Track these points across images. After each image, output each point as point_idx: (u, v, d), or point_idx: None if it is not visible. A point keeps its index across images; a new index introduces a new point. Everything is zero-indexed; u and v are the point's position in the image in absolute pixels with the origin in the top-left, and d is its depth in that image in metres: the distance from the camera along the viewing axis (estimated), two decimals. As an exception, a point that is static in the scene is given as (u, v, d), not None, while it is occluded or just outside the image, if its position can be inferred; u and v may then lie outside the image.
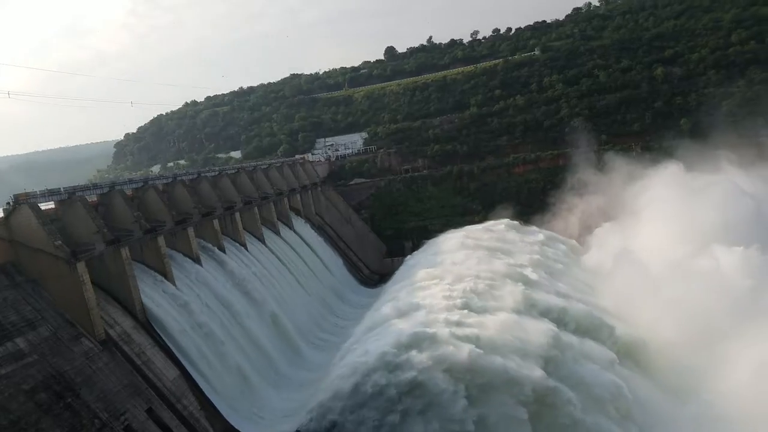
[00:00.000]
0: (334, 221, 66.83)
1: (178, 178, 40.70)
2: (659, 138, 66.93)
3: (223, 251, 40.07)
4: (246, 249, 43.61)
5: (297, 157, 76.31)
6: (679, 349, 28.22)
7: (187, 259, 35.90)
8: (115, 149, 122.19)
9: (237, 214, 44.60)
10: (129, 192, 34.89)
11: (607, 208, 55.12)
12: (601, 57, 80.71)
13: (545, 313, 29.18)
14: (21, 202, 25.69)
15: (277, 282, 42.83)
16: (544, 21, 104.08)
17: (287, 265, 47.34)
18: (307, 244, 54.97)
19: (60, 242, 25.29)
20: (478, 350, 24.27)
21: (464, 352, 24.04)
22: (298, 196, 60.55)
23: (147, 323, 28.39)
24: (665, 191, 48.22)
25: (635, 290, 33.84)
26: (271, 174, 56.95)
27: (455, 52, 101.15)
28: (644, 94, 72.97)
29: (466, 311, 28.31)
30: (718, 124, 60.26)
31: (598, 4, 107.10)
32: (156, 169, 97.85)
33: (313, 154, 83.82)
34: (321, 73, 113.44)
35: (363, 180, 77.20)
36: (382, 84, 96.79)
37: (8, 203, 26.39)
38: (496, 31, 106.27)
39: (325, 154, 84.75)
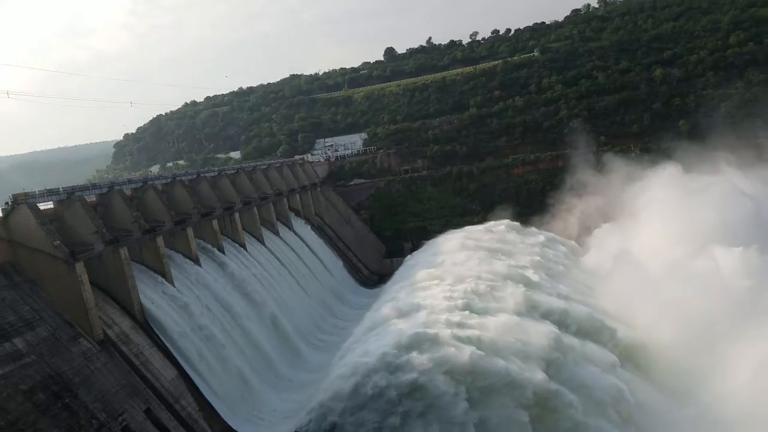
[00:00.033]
0: (334, 222, 66.79)
1: (178, 179, 40.62)
2: (658, 139, 67.06)
3: (222, 252, 40.00)
4: (245, 249, 43.54)
5: (296, 157, 76.24)
6: (678, 351, 28.18)
7: (186, 259, 35.82)
8: (114, 149, 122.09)
9: (236, 215, 44.53)
10: (128, 192, 34.81)
11: (606, 209, 55.22)
12: (600, 58, 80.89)
13: (546, 315, 29.10)
14: (20, 202, 25.59)
15: (276, 283, 42.75)
16: (543, 22, 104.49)
17: (287, 266, 47.27)
18: (307, 245, 54.91)
19: (58, 242, 25.19)
20: (479, 352, 24.14)
21: (465, 353, 23.93)
22: (298, 196, 60.49)
23: (145, 323, 28.29)
24: (664, 192, 48.31)
25: (634, 291, 33.84)
26: (271, 174, 56.89)
27: (454, 53, 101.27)
28: (643, 96, 73.12)
29: (467, 312, 28.19)
30: (717, 125, 60.40)
31: (597, 6, 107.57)
32: (155, 169, 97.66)
33: (312, 155, 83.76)
34: (321, 73, 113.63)
35: (362, 180, 77.17)
36: (382, 85, 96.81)
37: (7, 203, 26.30)
38: (496, 32, 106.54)
39: (324, 155, 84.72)
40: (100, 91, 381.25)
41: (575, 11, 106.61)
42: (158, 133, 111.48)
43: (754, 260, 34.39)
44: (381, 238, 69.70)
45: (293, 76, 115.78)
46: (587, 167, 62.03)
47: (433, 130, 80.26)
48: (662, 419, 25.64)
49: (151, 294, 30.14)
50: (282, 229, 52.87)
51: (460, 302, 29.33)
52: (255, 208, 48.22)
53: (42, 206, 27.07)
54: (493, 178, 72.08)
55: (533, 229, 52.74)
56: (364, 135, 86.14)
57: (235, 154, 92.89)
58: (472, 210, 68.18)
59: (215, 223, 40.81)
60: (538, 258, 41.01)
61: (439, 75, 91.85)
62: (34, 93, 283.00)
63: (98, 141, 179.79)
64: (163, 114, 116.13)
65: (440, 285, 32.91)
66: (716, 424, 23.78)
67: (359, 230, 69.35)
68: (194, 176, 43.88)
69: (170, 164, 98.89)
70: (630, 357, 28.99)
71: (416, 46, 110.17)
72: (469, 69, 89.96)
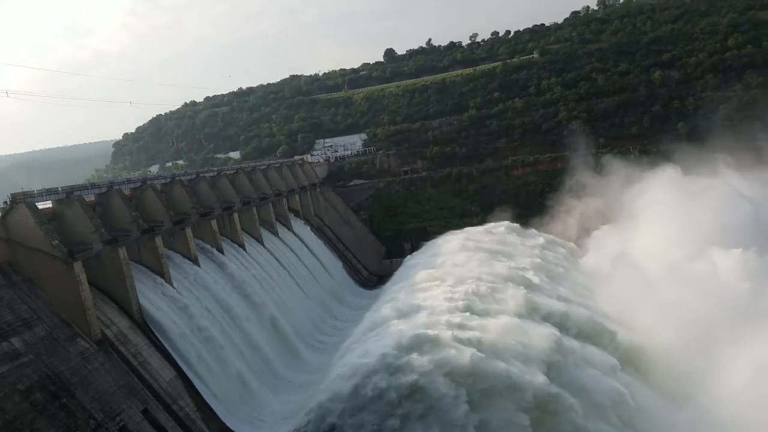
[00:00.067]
0: (333, 222, 66.71)
1: (177, 179, 40.53)
2: (657, 141, 67.20)
3: (221, 252, 39.89)
4: (244, 250, 43.43)
5: (296, 158, 76.14)
6: (677, 353, 28.12)
7: (185, 259, 35.70)
8: (113, 149, 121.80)
9: (235, 215, 44.43)
10: (127, 192, 34.71)
11: (605, 211, 55.26)
12: (599, 60, 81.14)
13: (547, 318, 29.04)
14: (18, 201, 25.50)
15: (276, 284, 42.64)
16: (543, 24, 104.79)
17: (286, 267, 47.16)
18: (306, 246, 54.80)
19: (57, 242, 25.08)
20: (480, 354, 24.03)
21: (466, 356, 23.83)
22: (297, 197, 60.40)
23: (143, 324, 28.17)
24: (663, 194, 48.36)
25: (633, 293, 33.78)
26: (270, 175, 56.80)
27: (454, 54, 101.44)
28: (642, 98, 73.32)
29: (468, 313, 28.10)
30: (716, 127, 60.58)
31: (596, 8, 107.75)
32: (154, 169, 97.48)
33: (312, 155, 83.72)
34: (320, 74, 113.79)
35: (362, 181, 77.16)
36: (382, 86, 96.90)
37: (5, 202, 26.20)
38: (495, 33, 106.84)
39: (324, 155, 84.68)
40: (99, 90, 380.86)
41: (575, 13, 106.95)
42: (157, 133, 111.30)
43: (753, 262, 34.43)
44: (380, 239, 69.66)
45: (293, 77, 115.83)
46: (586, 169, 62.14)
47: (432, 131, 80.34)
48: (661, 422, 25.55)
49: (149, 294, 30.02)
50: (281, 230, 52.75)
51: (460, 303, 29.25)
52: (254, 209, 48.12)
53: (41, 205, 26.98)
54: (492, 179, 72.17)
55: (533, 230, 52.74)
56: (363, 136, 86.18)
57: (235, 155, 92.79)
58: (471, 211, 68.22)
59: (214, 223, 40.71)
60: (539, 260, 40.98)
61: (438, 76, 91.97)
62: (33, 92, 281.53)
63: (97, 140, 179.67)
64: (163, 114, 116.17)
65: (441, 286, 32.83)
66: (714, 427, 23.71)
67: (358, 231, 69.29)
68: (193, 176, 43.78)
69: (169, 164, 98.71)
70: (630, 360, 28.93)
71: (416, 48, 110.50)
72: (468, 70, 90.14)
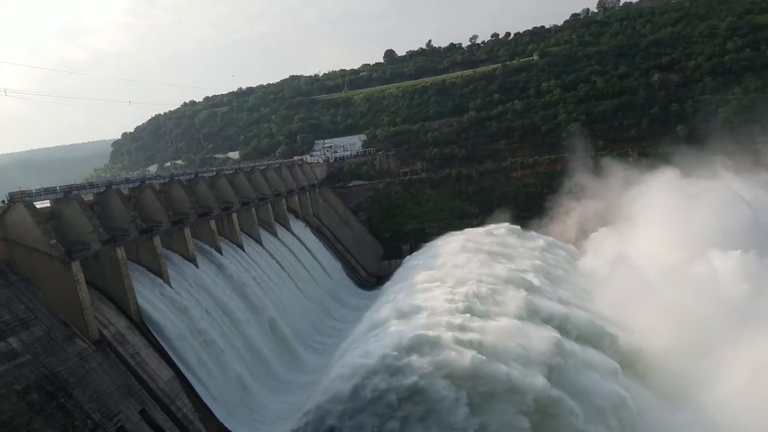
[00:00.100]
0: (332, 223, 66.62)
1: (176, 178, 40.40)
2: (656, 144, 67.37)
3: (220, 252, 39.76)
4: (243, 250, 43.30)
5: (295, 158, 76.07)
6: (675, 355, 28.13)
7: (184, 260, 35.56)
8: (112, 148, 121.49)
9: (234, 215, 44.31)
10: (125, 192, 34.58)
11: (603, 213, 55.36)
12: (599, 63, 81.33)
13: (548, 320, 28.95)
14: (16, 200, 25.36)
15: (275, 285, 42.51)
16: (543, 26, 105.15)
17: (285, 268, 47.04)
18: (305, 246, 54.69)
19: (55, 241, 24.96)
20: (480, 356, 23.91)
21: (466, 358, 23.71)
22: (296, 197, 60.30)
23: (141, 324, 28.05)
24: (662, 197, 48.43)
25: (631, 296, 33.82)
26: (269, 175, 56.70)
27: (454, 56, 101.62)
28: (641, 101, 73.48)
29: (468, 315, 27.98)
30: (715, 130, 60.78)
31: (596, 11, 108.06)
32: (153, 168, 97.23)
33: (311, 156, 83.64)
34: (320, 75, 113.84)
35: (361, 182, 77.13)
36: (382, 87, 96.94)
37: (3, 201, 26.05)
38: (495, 35, 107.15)
39: (323, 156, 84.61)
40: (98, 90, 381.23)
41: (575, 16, 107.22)
42: (157, 133, 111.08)
43: (751, 264, 34.50)
44: (379, 240, 69.59)
45: (293, 77, 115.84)
46: (585, 171, 62.26)
47: (432, 132, 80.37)
48: (659, 424, 25.52)
49: (147, 294, 29.89)
50: (280, 230, 52.62)
51: (461, 305, 29.14)
52: (253, 209, 48.00)
53: (38, 205, 26.86)
54: (491, 181, 72.24)
55: (533, 233, 52.76)
56: (363, 136, 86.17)
57: (234, 155, 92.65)
58: (470, 213, 68.26)
59: (213, 223, 40.58)
60: (539, 262, 40.97)
61: (438, 78, 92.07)
62: (32, 91, 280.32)
63: (96, 140, 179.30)
64: (162, 113, 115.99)
65: (441, 287, 32.74)
66: (713, 429, 23.71)
67: (358, 232, 69.20)
68: (192, 176, 43.65)
69: (168, 164, 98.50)
70: (630, 363, 28.86)
71: (416, 49, 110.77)
72: (468, 72, 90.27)
